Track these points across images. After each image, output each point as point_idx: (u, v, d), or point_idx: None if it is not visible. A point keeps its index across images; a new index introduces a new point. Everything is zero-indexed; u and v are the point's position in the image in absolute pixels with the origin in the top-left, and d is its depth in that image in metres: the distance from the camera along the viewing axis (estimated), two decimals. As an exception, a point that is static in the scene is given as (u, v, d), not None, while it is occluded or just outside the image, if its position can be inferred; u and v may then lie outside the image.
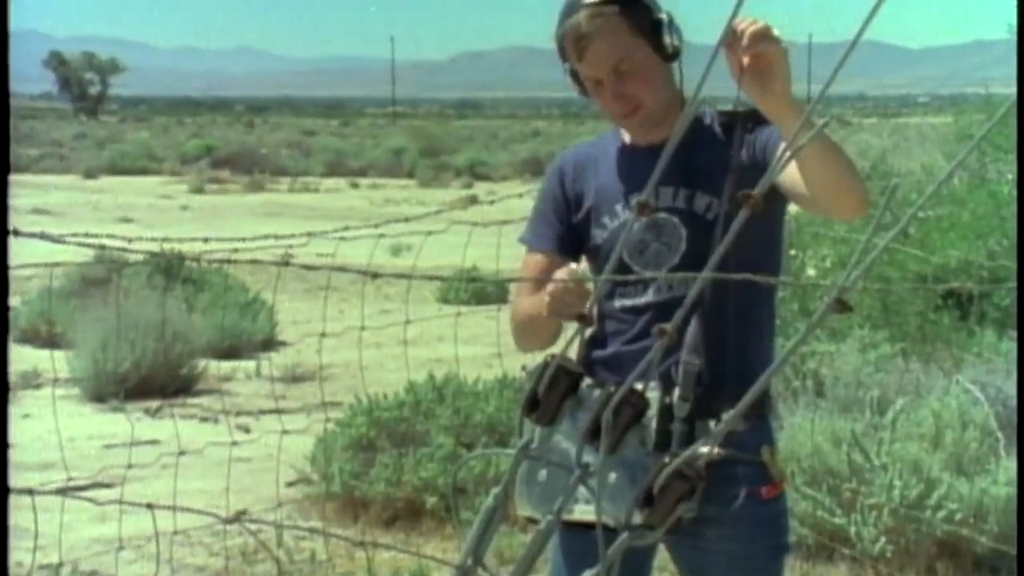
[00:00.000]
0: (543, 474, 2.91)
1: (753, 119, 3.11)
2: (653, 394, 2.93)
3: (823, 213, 3.17)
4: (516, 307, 3.31)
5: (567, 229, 3.29)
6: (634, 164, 3.22)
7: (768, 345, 3.26)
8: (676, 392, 2.97)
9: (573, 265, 3.04)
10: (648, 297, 3.17)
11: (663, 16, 3.15)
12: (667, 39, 3.13)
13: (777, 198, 3.08)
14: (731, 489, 3.07)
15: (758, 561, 3.16)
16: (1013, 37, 2.30)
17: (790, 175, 2.92)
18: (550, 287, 2.93)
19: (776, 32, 2.79)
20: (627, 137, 3.30)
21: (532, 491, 2.95)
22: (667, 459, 2.15)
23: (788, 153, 1.84)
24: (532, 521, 2.96)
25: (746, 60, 2.77)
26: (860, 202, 2.91)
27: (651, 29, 3.13)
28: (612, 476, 2.76)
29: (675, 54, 3.16)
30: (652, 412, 2.89)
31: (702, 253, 3.09)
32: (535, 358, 2.67)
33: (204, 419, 9.96)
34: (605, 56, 3.11)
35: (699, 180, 3.13)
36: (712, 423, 2.93)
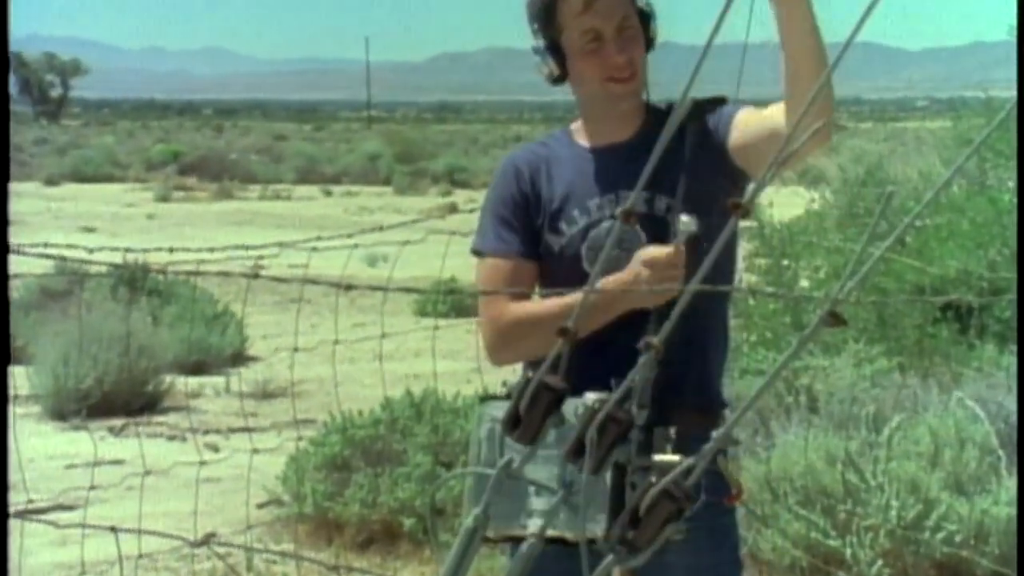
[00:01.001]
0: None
1: (701, 109, 3.15)
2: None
3: (790, 137, 3.21)
4: (501, 313, 3.28)
5: (531, 233, 3.29)
6: (595, 167, 3.25)
7: (724, 352, 3.31)
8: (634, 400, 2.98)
9: (657, 249, 3.05)
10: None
11: (649, 6, 3.25)
12: (653, 26, 3.22)
13: (731, 184, 3.12)
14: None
15: (721, 570, 3.20)
16: (1013, 38, 2.32)
17: (750, 127, 2.99)
18: (645, 260, 2.99)
19: None
20: (582, 139, 3.32)
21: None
22: (654, 479, 2.16)
23: (777, 159, 1.84)
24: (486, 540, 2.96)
25: None
26: (829, 107, 2.91)
27: (640, 11, 3.23)
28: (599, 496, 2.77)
29: (653, 44, 3.24)
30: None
31: None
32: (517, 374, 2.67)
33: (171, 438, 9.94)
34: (614, 6, 3.18)
35: (657, 181, 3.13)
36: (671, 430, 2.93)
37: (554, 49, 3.22)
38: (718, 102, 3.19)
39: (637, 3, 3.23)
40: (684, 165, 3.13)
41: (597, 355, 2.95)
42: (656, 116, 3.24)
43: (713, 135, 3.16)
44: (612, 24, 3.17)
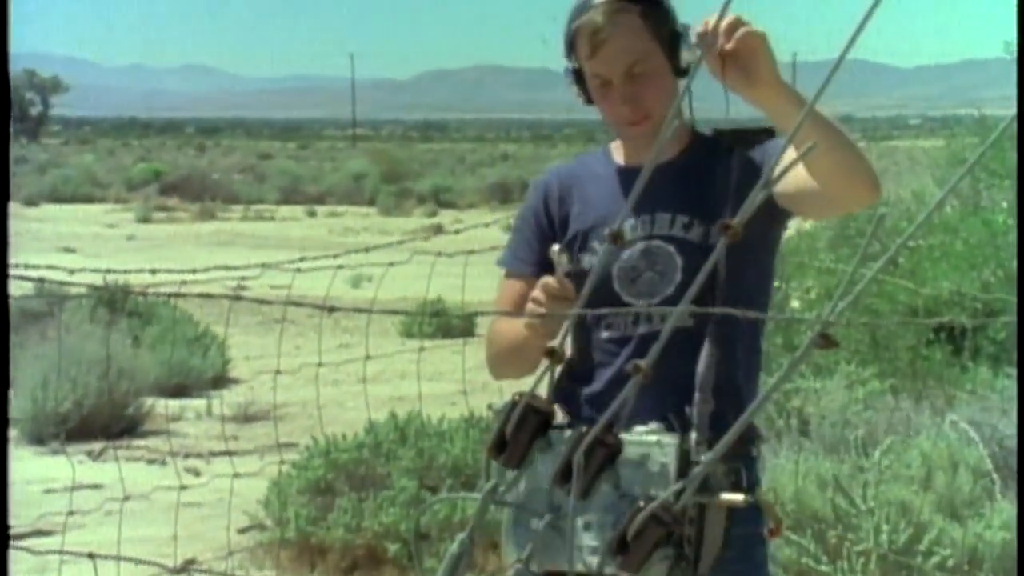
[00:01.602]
0: (535, 522, 2.87)
1: (750, 139, 3.13)
2: (668, 439, 2.84)
3: (836, 207, 3.18)
4: (494, 332, 3.30)
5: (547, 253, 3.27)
6: (622, 186, 3.22)
7: (757, 381, 3.28)
8: (693, 436, 2.92)
9: (546, 278, 2.96)
10: (640, 329, 3.17)
11: (682, 27, 3.16)
12: (684, 51, 3.15)
13: (772, 220, 3.10)
14: (732, 529, 3.04)
15: None
16: (1008, 55, 2.32)
17: (790, 178, 2.92)
18: (528, 307, 2.94)
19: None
20: (619, 157, 3.30)
21: (522, 540, 2.87)
22: (641, 503, 2.15)
23: (777, 169, 1.85)
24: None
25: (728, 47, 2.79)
26: (875, 183, 2.92)
27: (669, 37, 3.14)
28: (581, 522, 2.75)
29: (687, 70, 3.17)
30: (666, 459, 2.77)
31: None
32: (503, 396, 2.67)
33: (151, 462, 9.91)
34: (620, 54, 3.11)
35: (698, 207, 3.12)
36: (722, 468, 2.90)
37: (579, 76, 3.20)
38: (766, 133, 3.15)
39: (665, 28, 3.14)
40: (730, 193, 3.11)
41: (650, 387, 2.94)
42: (700, 141, 3.21)
43: (759, 169, 3.13)
44: (619, 71, 3.11)
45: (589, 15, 3.11)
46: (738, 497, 2.55)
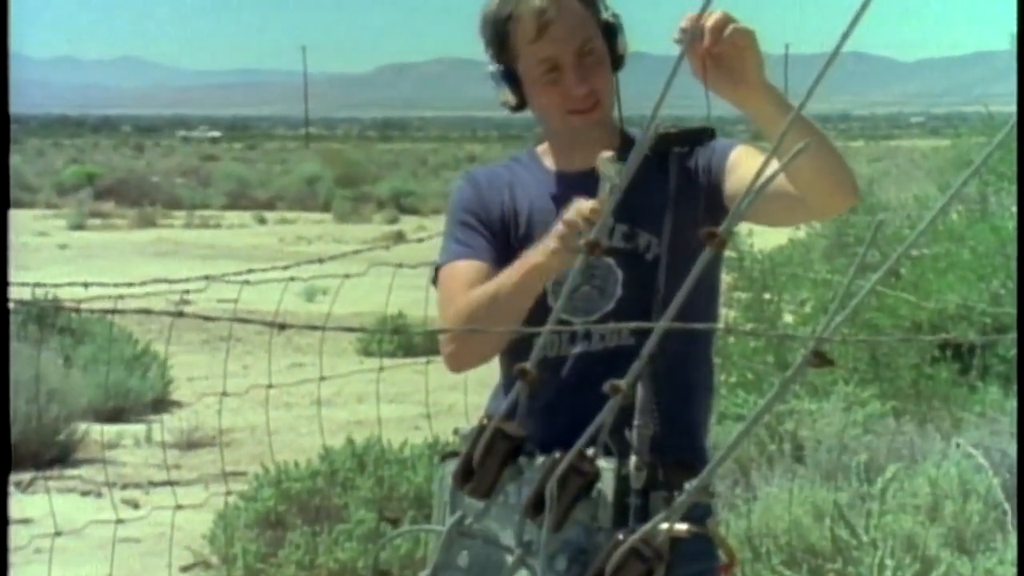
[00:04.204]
0: (464, 557, 2.87)
1: (689, 140, 3.15)
2: (605, 463, 2.89)
3: (811, 212, 3.22)
4: (470, 298, 3.15)
5: (502, 246, 3.22)
6: (565, 193, 3.18)
7: (709, 403, 3.29)
8: (632, 460, 2.95)
9: (582, 202, 2.93)
10: (576, 348, 3.17)
11: (616, 18, 3.20)
12: (620, 41, 3.18)
13: (717, 225, 3.11)
14: (678, 570, 3.05)
15: None
16: (1016, 48, 2.33)
17: (752, 165, 2.94)
18: (558, 229, 2.91)
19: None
20: (550, 162, 3.31)
21: None
22: (621, 537, 2.16)
23: (765, 173, 1.86)
24: None
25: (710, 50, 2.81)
26: (855, 187, 2.98)
27: (606, 26, 3.20)
28: (559, 559, 2.76)
29: (623, 62, 3.21)
30: (603, 484, 2.86)
31: (640, 299, 3.10)
32: (470, 419, 2.67)
33: (85, 493, 9.89)
34: (571, 32, 3.14)
35: (639, 214, 3.14)
36: (663, 495, 2.92)
37: (510, 76, 3.21)
38: (707, 134, 3.18)
39: (602, 17, 3.20)
40: (669, 200, 3.13)
41: (588, 408, 2.94)
42: (631, 144, 3.22)
43: (704, 173, 3.15)
44: (570, 51, 3.14)
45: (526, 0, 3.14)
46: (682, 527, 2.55)
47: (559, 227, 2.91)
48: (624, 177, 3.05)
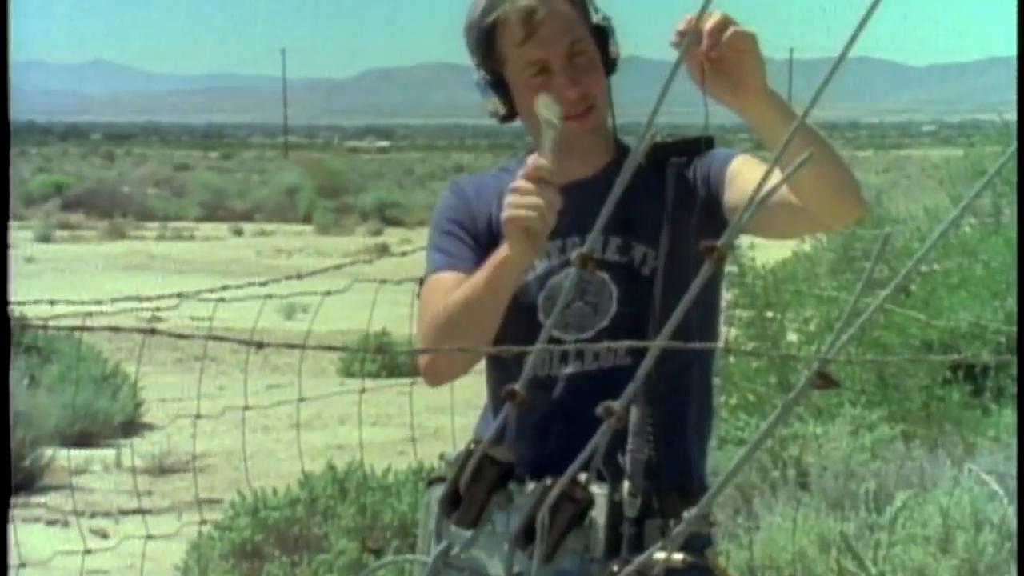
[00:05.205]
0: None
1: (686, 150, 3.15)
2: (598, 489, 2.89)
3: (815, 225, 3.22)
4: (441, 306, 3.12)
5: (484, 251, 3.17)
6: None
7: (708, 426, 3.28)
8: (625, 486, 2.95)
9: (535, 159, 2.89)
10: (568, 368, 3.17)
11: (607, 21, 3.22)
12: (612, 44, 3.19)
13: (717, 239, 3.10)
14: None
15: None
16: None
17: (754, 176, 2.94)
18: (510, 199, 2.86)
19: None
20: None
21: None
22: (616, 567, 2.16)
23: (767, 184, 1.86)
24: None
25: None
26: (861, 199, 2.98)
27: (596, 28, 3.20)
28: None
29: (615, 66, 3.21)
30: (595, 511, 2.86)
31: (636, 315, 3.10)
32: (457, 443, 2.66)
33: (51, 522, 9.88)
34: (560, 33, 3.15)
35: (634, 226, 3.14)
36: (659, 523, 2.91)
37: (497, 84, 3.21)
38: (704, 143, 3.18)
39: (592, 19, 3.21)
40: (666, 211, 3.13)
41: (580, 431, 2.92)
42: (625, 152, 3.22)
43: (702, 183, 3.15)
44: (560, 52, 3.14)
45: (514, 1, 3.14)
46: (677, 556, 2.54)
47: (507, 198, 2.86)
48: (619, 185, 3.05)
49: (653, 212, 3.13)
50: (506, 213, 2.86)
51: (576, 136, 3.15)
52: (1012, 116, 12.82)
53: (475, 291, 3.04)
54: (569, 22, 3.16)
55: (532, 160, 2.86)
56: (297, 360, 12.18)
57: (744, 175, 3.10)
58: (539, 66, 3.15)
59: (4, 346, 2.51)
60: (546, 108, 2.87)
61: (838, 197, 2.92)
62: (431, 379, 3.24)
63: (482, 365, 3.31)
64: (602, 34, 3.20)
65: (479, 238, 3.24)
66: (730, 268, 8.89)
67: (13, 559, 5.21)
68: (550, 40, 3.13)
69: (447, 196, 3.36)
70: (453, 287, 3.14)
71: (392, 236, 37.07)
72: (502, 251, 2.95)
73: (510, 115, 3.24)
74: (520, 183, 2.83)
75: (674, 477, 3.02)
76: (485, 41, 3.18)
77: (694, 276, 1.55)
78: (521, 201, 2.82)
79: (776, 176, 1.64)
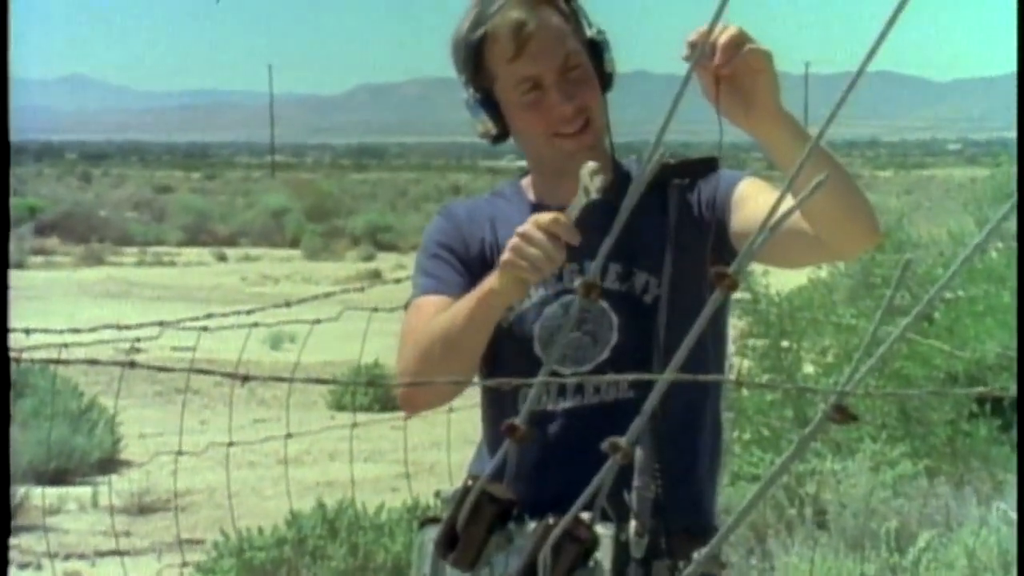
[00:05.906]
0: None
1: (690, 171, 3.15)
2: (603, 529, 2.88)
3: (828, 254, 3.23)
4: (424, 331, 3.14)
5: (473, 276, 3.19)
6: None
7: (718, 462, 3.28)
8: (632, 526, 2.95)
9: (552, 215, 2.89)
10: (566, 403, 3.18)
11: (602, 35, 3.22)
12: (608, 60, 3.19)
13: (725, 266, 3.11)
14: None
15: None
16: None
17: (762, 199, 2.95)
18: (513, 242, 2.87)
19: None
20: (533, 195, 3.31)
21: None
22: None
23: (780, 209, 1.87)
24: None
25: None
26: (876, 226, 2.98)
27: (590, 43, 3.21)
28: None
29: (611, 81, 3.21)
30: (600, 552, 2.86)
31: (638, 346, 3.10)
32: (453, 480, 2.67)
33: (23, 565, 9.86)
34: (552, 47, 3.15)
35: (635, 253, 3.14)
36: (666, 564, 2.92)
37: (487, 102, 3.20)
38: (709, 164, 3.18)
39: (586, 33, 3.21)
40: (669, 237, 3.13)
41: (583, 468, 2.93)
42: (625, 174, 3.23)
43: (707, 207, 3.15)
44: (553, 67, 3.14)
45: (503, 14, 3.14)
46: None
47: (512, 240, 2.89)
48: (619, 200, 3.04)
49: (655, 237, 3.13)
50: (507, 256, 2.88)
51: (571, 155, 3.14)
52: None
53: (458, 321, 3.05)
54: (562, 35, 3.16)
55: (552, 215, 2.86)
56: (285, 393, 12.18)
57: (753, 199, 3.10)
58: (531, 83, 3.14)
59: (4, 380, 2.52)
60: (589, 175, 2.85)
61: (852, 224, 2.92)
62: (408, 408, 3.28)
63: (476, 398, 3.32)
64: (597, 49, 3.20)
65: (470, 263, 3.25)
66: (743, 295, 8.90)
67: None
68: (542, 54, 3.13)
69: (438, 220, 3.38)
70: (438, 312, 3.15)
71: (385, 262, 37.06)
72: (490, 281, 2.96)
73: (502, 135, 3.24)
74: (532, 232, 2.85)
75: (683, 516, 3.02)
76: (473, 57, 3.18)
77: (700, 304, 1.55)
78: (526, 251, 2.84)
79: (789, 201, 1.65)
